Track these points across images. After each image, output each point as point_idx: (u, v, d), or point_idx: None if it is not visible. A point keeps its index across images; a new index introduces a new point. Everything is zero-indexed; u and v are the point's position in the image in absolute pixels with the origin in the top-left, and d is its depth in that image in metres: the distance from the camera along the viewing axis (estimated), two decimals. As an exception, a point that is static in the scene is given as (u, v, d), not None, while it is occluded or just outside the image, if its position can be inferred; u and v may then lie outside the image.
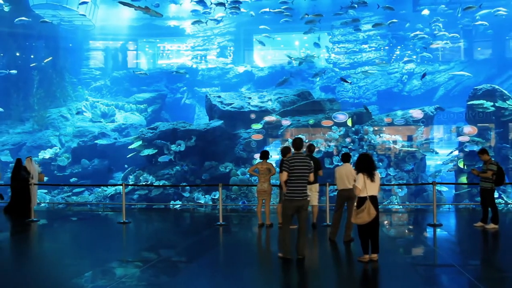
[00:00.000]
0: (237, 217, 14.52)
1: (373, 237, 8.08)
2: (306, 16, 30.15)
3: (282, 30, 35.88)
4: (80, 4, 31.71)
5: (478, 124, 24.03)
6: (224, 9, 31.31)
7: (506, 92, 24.83)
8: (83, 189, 26.34)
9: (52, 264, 8.88)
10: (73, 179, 27.37)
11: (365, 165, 8.07)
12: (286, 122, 25.75)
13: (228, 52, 40.79)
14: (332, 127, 24.75)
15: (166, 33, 40.46)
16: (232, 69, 39.50)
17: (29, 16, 31.65)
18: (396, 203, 21.76)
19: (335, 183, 9.91)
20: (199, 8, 32.64)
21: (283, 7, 30.24)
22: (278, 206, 11.65)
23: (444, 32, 32.91)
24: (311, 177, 8.47)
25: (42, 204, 19.56)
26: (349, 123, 24.85)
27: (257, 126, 25.63)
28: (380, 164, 23.43)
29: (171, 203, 22.09)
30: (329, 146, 24.07)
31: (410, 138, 24.68)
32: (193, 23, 34.87)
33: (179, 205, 21.16)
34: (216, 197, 22.36)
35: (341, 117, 25.16)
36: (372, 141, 24.10)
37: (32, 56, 34.40)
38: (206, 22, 33.14)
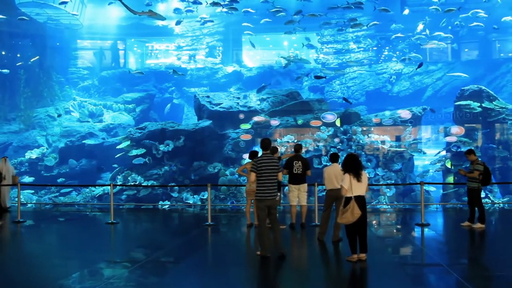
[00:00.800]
0: (226, 217, 14.51)
1: (361, 237, 8.09)
2: (295, 16, 30.16)
3: (270, 30, 35.89)
4: (60, 3, 31.27)
5: (465, 125, 24.24)
6: (210, 8, 31.26)
7: (492, 93, 25.07)
8: (70, 189, 26.13)
9: (38, 265, 8.79)
10: (60, 180, 27.13)
11: (352, 166, 8.09)
12: (275, 122, 25.77)
13: (217, 52, 40.71)
14: (321, 127, 24.79)
15: (154, 32, 40.28)
16: (221, 69, 39.43)
17: (15, 14, 31.30)
18: (384, 203, 21.87)
19: (323, 183, 9.93)
20: (181, 6, 32.44)
21: (277, 7, 30.07)
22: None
23: (439, 32, 33.01)
24: (280, 176, 8.62)
25: (29, 205, 19.37)
26: (338, 123, 24.92)
27: (245, 126, 25.61)
28: (369, 164, 23.53)
29: (159, 203, 22.00)
30: (317, 146, 24.12)
31: (398, 138, 24.80)
32: (177, 23, 34.62)
33: (167, 205, 21.08)
34: (204, 197, 22.30)
35: (330, 117, 25.22)
36: (361, 141, 24.20)
37: (18, 55, 34.04)
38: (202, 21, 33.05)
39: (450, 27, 33.46)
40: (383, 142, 24.39)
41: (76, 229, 12.69)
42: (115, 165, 26.15)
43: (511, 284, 7.11)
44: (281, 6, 30.42)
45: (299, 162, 11.08)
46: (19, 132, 31.11)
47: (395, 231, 12.03)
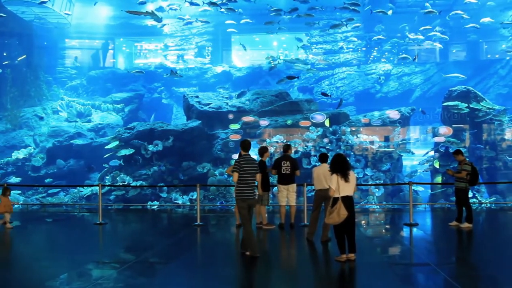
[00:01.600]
0: (215, 217, 14.47)
1: (349, 237, 8.11)
2: (285, 16, 30.20)
3: (259, 30, 35.92)
4: (39, 3, 30.93)
5: (453, 125, 24.42)
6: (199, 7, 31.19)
7: (479, 93, 25.29)
8: (58, 189, 25.92)
9: (25, 267, 8.70)
10: (48, 180, 26.90)
11: (339, 166, 8.09)
12: (264, 122, 25.76)
13: (206, 52, 40.67)
14: (310, 128, 24.84)
15: (143, 32, 40.14)
16: (210, 69, 39.40)
17: (1, 12, 30.97)
18: (373, 203, 21.96)
19: (312, 183, 9.95)
20: (164, 4, 32.31)
21: (273, 8, 30.01)
22: (256, 206, 11.65)
23: (437, 32, 33.17)
24: (258, 177, 8.88)
25: (16, 206, 19.17)
26: (327, 123, 24.99)
27: (235, 126, 25.58)
28: (358, 164, 23.62)
29: (148, 203, 21.89)
30: (306, 146, 24.16)
31: (387, 139, 24.93)
32: (161, 23, 34.47)
33: (156, 206, 20.98)
34: (193, 198, 22.25)
35: (319, 117, 25.27)
36: (350, 141, 24.28)
37: (4, 54, 33.68)
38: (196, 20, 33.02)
39: (438, 28, 33.63)
40: (372, 142, 24.50)
41: (64, 230, 12.59)
42: (106, 165, 25.93)
43: (497, 283, 7.17)
44: (270, 6, 30.39)
45: (288, 162, 11.09)
46: (5, 132, 30.79)
47: (384, 231, 12.09)
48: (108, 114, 33.25)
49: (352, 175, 8.18)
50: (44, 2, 30.73)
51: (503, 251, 9.34)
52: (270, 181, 11.92)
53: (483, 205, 19.54)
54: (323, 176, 9.62)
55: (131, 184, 23.65)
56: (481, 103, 24.33)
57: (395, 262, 8.84)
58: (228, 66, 39.83)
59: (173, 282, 7.49)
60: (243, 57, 41.60)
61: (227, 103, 26.94)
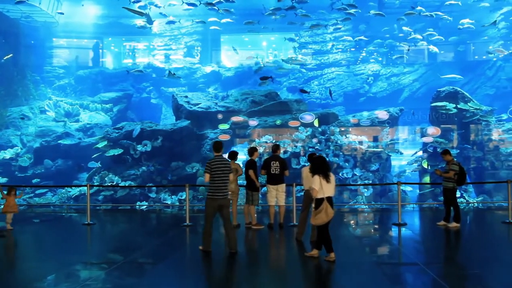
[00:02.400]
0: (204, 217, 14.40)
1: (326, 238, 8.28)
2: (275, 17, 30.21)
3: (249, 30, 35.93)
4: (16, 3, 30.57)
5: (441, 125, 24.59)
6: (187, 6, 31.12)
7: (467, 94, 25.50)
8: (46, 190, 25.71)
9: (12, 268, 8.63)
10: (35, 180, 26.66)
11: (321, 167, 8.23)
12: (253, 122, 25.76)
13: (195, 52, 40.56)
14: (299, 128, 24.89)
15: (132, 32, 39.92)
16: (199, 69, 39.29)
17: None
18: (362, 203, 22.05)
19: (301, 183, 9.96)
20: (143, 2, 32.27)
21: (270, 10, 29.94)
22: (245, 206, 11.66)
23: (433, 32, 33.30)
24: (231, 177, 9.09)
25: (1, 206, 18.97)
26: (316, 123, 25.05)
27: (224, 127, 25.56)
28: (347, 164, 23.70)
29: (137, 204, 21.79)
30: (296, 146, 24.19)
31: (375, 139, 25.04)
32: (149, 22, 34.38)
33: (145, 206, 20.89)
34: (183, 198, 22.18)
35: (308, 117, 25.33)
36: (339, 141, 24.35)
37: (-10, 53, 33.39)
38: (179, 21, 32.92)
39: (431, 30, 33.79)
40: (360, 142, 24.59)
41: (51, 230, 12.49)
42: (96, 164, 25.74)
43: (485, 282, 7.23)
44: (264, 6, 30.36)
45: (277, 162, 11.11)
46: (-9, 131, 30.50)
47: (372, 230, 12.14)
48: (97, 114, 33.04)
49: (332, 176, 8.34)
50: (22, 2, 30.30)
51: (490, 250, 9.42)
52: (259, 181, 11.92)
53: (470, 204, 19.70)
54: (312, 176, 9.63)
55: (120, 184, 23.52)
56: (468, 103, 24.54)
57: (383, 261, 8.88)
58: (217, 66, 39.76)
59: (162, 282, 7.46)
60: (232, 57, 41.57)
61: (216, 103, 26.91)
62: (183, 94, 28.89)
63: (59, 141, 28.35)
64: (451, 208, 11.35)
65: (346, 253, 9.18)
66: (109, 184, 23.60)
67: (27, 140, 29.73)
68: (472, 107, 24.36)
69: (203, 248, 8.99)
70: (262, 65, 33.20)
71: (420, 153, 24.81)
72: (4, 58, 32.65)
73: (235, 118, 25.86)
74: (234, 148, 23.55)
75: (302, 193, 10.13)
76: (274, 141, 23.61)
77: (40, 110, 32.55)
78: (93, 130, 30.99)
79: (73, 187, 24.47)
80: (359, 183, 22.88)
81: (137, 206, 20.51)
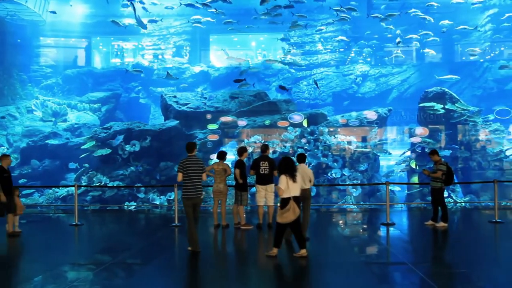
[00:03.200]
0: (199, 220, 14.37)
1: (299, 235, 8.49)
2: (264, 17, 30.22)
3: (238, 30, 35.90)
4: (1, 1, 30.23)
5: (429, 126, 24.75)
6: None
7: (455, 95, 25.70)
8: (33, 190, 25.49)
9: (-1, 269, 8.53)
10: (22, 181, 26.40)
11: (288, 167, 8.48)
12: (242, 122, 25.75)
13: (184, 52, 40.43)
14: (288, 128, 24.91)
15: (120, 31, 39.66)
16: (188, 69, 39.15)
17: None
18: (351, 203, 22.12)
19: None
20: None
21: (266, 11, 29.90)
22: (234, 207, 11.65)
23: (433, 37, 33.45)
24: (204, 176, 9.23)
25: None
26: (305, 124, 25.10)
27: (213, 127, 25.51)
28: (335, 164, 23.76)
29: (125, 204, 21.68)
30: (285, 146, 24.21)
31: (364, 139, 25.15)
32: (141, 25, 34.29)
33: (133, 206, 20.79)
34: (171, 198, 22.09)
35: (297, 118, 25.37)
36: (327, 141, 24.41)
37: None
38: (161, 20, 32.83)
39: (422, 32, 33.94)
40: (349, 142, 24.67)
41: (38, 231, 12.38)
42: (86, 165, 25.56)
43: (472, 280, 7.28)
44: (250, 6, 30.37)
45: (266, 162, 11.11)
46: (-23, 131, 30.17)
47: (361, 230, 12.18)
48: (85, 114, 32.83)
49: (299, 176, 8.61)
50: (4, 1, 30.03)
51: (477, 249, 9.50)
52: (248, 181, 11.92)
53: (458, 204, 19.85)
54: (301, 176, 9.65)
55: (108, 185, 23.39)
56: (456, 104, 24.74)
57: (372, 261, 8.91)
58: (206, 66, 39.67)
59: (150, 283, 7.42)
60: (221, 57, 41.49)
61: (205, 103, 26.85)
62: (172, 94, 28.79)
63: (46, 141, 28.13)
64: (439, 208, 11.43)
65: (335, 253, 9.22)
66: (97, 184, 23.46)
67: (14, 140, 29.47)
68: (460, 107, 24.56)
69: (191, 249, 9.05)
70: (247, 68, 33.23)
71: (408, 153, 24.95)
72: None
73: (224, 118, 25.84)
74: (223, 148, 23.52)
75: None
76: (263, 141, 23.61)
77: (27, 109, 32.25)
78: (81, 130, 30.78)
79: (60, 188, 24.28)
80: (347, 183, 22.96)
81: (125, 207, 20.40)
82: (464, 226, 12.91)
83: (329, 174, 23.42)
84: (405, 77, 37.40)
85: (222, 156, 11.54)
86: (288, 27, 30.20)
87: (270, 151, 22.54)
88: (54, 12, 33.32)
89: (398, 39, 31.32)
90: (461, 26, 32.20)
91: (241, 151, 11.61)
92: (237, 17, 31.72)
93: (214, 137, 25.07)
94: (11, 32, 34.94)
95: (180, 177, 9.03)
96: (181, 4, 30.91)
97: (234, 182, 11.70)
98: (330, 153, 24.09)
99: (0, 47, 33.34)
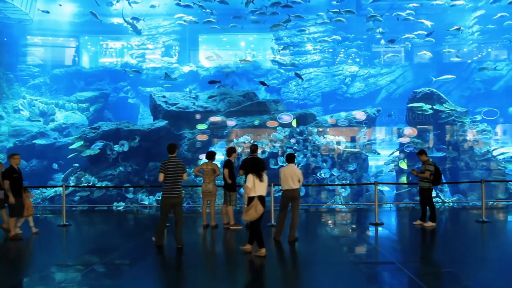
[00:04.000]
0: (182, 218, 14.32)
1: (256, 232, 8.71)
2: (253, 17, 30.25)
3: (227, 30, 35.86)
4: None
5: (418, 126, 24.89)
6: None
7: (443, 95, 25.87)
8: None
9: (-15, 270, 8.44)
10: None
11: (254, 167, 8.72)
12: (231, 122, 25.72)
13: (173, 52, 40.28)
14: (277, 128, 24.93)
15: (109, 30, 39.44)
16: (177, 68, 39.02)
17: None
18: (340, 203, 22.18)
19: (279, 184, 9.97)
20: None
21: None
22: (223, 207, 11.63)
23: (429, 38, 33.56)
24: (185, 176, 9.57)
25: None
26: (294, 124, 25.14)
27: (202, 127, 25.45)
28: (324, 164, 23.81)
29: (114, 204, 21.55)
30: (274, 146, 24.22)
31: (353, 139, 25.23)
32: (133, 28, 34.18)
33: (122, 207, 20.67)
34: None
35: (286, 118, 25.40)
36: (316, 142, 24.46)
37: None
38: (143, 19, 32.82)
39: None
40: (338, 142, 24.73)
41: (25, 232, 12.23)
42: (76, 165, 25.35)
43: (460, 279, 7.33)
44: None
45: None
46: (-37, 131, 29.79)
47: (350, 230, 12.21)
48: (73, 114, 32.55)
49: (265, 176, 8.80)
50: None
51: (465, 248, 9.57)
52: (237, 181, 11.91)
53: (446, 204, 19.99)
54: (290, 176, 9.66)
55: (96, 185, 23.24)
56: (444, 104, 24.90)
57: (361, 261, 8.94)
58: (196, 66, 39.57)
59: (138, 284, 7.38)
60: (210, 57, 41.44)
61: (194, 103, 26.77)
62: (161, 93, 28.67)
63: (33, 141, 27.88)
64: (427, 207, 11.51)
65: (324, 253, 9.24)
66: (85, 184, 23.30)
67: (0, 140, 29.15)
68: (448, 108, 24.72)
69: (155, 241, 9.59)
70: (231, 71, 33.33)
71: (397, 153, 25.07)
72: None
73: (213, 118, 25.78)
74: (212, 148, 23.49)
75: (280, 193, 10.14)
76: (252, 142, 23.60)
77: (14, 109, 31.91)
78: (69, 130, 30.54)
79: (48, 188, 24.08)
80: (336, 183, 23.02)
81: (114, 207, 20.28)
82: (452, 225, 13.00)
83: (318, 174, 23.47)
84: (394, 77, 37.61)
85: (211, 156, 11.53)
86: (269, 27, 30.24)
87: (259, 151, 22.56)
88: (47, 12, 33.00)
89: (383, 40, 31.47)
90: (455, 28, 32.40)
91: (230, 151, 11.60)
92: (229, 16, 31.64)
93: (203, 137, 25.01)
94: (-3, 30, 34.62)
95: (161, 177, 9.37)
96: (177, 4, 30.84)
97: (223, 182, 11.68)
98: (319, 153, 24.13)
99: (-14, 46, 32.99)
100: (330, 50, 38.25)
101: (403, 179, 23.78)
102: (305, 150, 24.04)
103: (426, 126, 24.96)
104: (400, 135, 24.94)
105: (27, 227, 11.30)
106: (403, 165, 23.81)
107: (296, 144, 24.32)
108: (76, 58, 40.98)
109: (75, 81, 37.29)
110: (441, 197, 22.05)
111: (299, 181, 9.76)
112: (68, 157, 25.53)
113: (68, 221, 12.44)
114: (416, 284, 7.08)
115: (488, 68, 32.97)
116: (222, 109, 26.74)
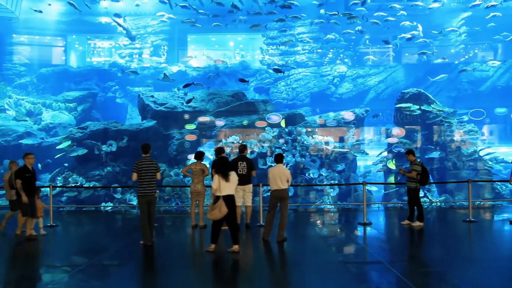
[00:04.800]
0: (171, 218, 14.31)
1: (232, 231, 8.95)
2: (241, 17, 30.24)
3: (216, 30, 35.80)
4: None
5: (406, 126, 25.04)
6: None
7: (430, 96, 26.04)
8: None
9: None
10: (-6, 181, 25.84)
11: (221, 168, 8.82)
12: (220, 122, 25.68)
13: (161, 51, 40.14)
14: (266, 128, 24.94)
15: (97, 29, 39.20)
16: (165, 68, 38.87)
17: None
18: (328, 203, 22.25)
19: (268, 184, 9.97)
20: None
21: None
22: (212, 207, 11.59)
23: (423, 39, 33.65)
24: (158, 175, 9.89)
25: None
26: (283, 124, 25.16)
27: (190, 127, 25.39)
28: (313, 164, 23.86)
29: (102, 205, 21.42)
30: (262, 147, 24.23)
31: (341, 139, 25.32)
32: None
33: (110, 207, 20.54)
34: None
35: (275, 118, 25.42)
36: (305, 142, 24.51)
37: None
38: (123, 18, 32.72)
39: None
40: (327, 143, 24.81)
41: (12, 232, 12.11)
42: (66, 164, 25.12)
43: (447, 279, 7.38)
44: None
45: (244, 162, 11.10)
46: None
47: (338, 230, 12.25)
48: (60, 113, 32.28)
49: (232, 176, 8.86)
50: None
51: (452, 248, 9.65)
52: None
53: (433, 204, 20.12)
54: (278, 177, 9.66)
55: (84, 185, 23.08)
56: (432, 105, 25.06)
57: (349, 260, 8.97)
58: (184, 65, 39.45)
59: (127, 284, 7.34)
60: (199, 57, 41.35)
61: (182, 103, 26.70)
62: (149, 93, 28.55)
63: (20, 141, 27.60)
64: (415, 207, 11.58)
65: (312, 253, 9.26)
66: (73, 185, 23.13)
67: (-15, 140, 28.80)
68: (435, 108, 24.89)
69: (143, 242, 9.61)
70: (214, 75, 33.40)
71: (385, 153, 25.20)
72: None
73: (201, 118, 25.73)
74: (200, 149, 23.44)
75: (269, 194, 10.14)
76: (241, 142, 23.59)
77: (0, 108, 31.56)
78: (56, 129, 30.29)
79: (35, 188, 23.82)
80: (325, 183, 23.08)
81: (102, 207, 20.15)
82: (439, 225, 13.09)
83: (306, 174, 23.51)
84: (382, 78, 37.81)
85: (199, 156, 11.49)
86: (249, 27, 30.24)
87: (248, 151, 22.56)
88: (40, 11, 32.68)
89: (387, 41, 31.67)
90: (406, 23, 32.66)
91: (219, 151, 11.56)
92: (221, 16, 31.58)
93: (191, 137, 24.94)
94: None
95: (135, 176, 9.76)
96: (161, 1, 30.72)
97: (211, 183, 11.64)
98: (307, 153, 24.18)
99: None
100: (319, 50, 38.33)
101: (391, 179, 23.90)
102: (293, 150, 24.08)
103: (414, 127, 25.12)
104: (388, 135, 25.06)
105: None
106: (391, 165, 23.94)
107: (285, 144, 24.35)
108: (63, 57, 40.65)
109: (62, 80, 36.96)
110: (429, 197, 22.19)
111: (287, 181, 9.76)
112: (55, 157, 25.32)
113: (55, 222, 12.35)
114: (404, 283, 7.13)
115: (467, 70, 33.33)
116: (210, 109, 26.70)
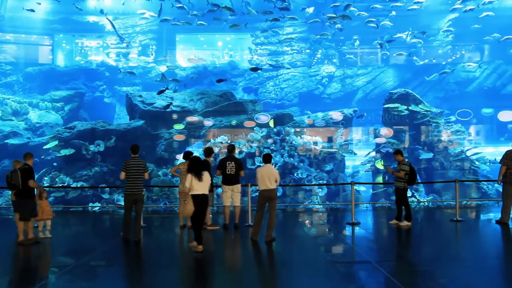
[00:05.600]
0: (159, 218, 14.24)
1: (195, 227, 9.03)
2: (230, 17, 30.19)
3: (204, 30, 35.74)
4: None
5: (394, 126, 25.18)
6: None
7: (418, 96, 26.23)
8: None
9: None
10: (-20, 182, 25.54)
11: (194, 167, 8.89)
12: (208, 122, 25.65)
13: (150, 51, 39.98)
14: (254, 128, 24.95)
15: (85, 28, 38.92)
16: (154, 68, 38.73)
17: None
18: (317, 203, 22.30)
19: (256, 184, 9.96)
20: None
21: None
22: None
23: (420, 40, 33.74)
24: (146, 175, 10.20)
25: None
26: (271, 124, 25.18)
27: (179, 127, 25.32)
28: (301, 164, 23.91)
29: (89, 205, 21.28)
30: (251, 147, 24.23)
31: (330, 139, 25.40)
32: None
33: (98, 207, 20.42)
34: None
35: (263, 118, 25.44)
36: (294, 142, 24.55)
37: None
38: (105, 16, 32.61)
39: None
40: (315, 143, 24.88)
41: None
42: (55, 163, 24.90)
43: (435, 278, 7.42)
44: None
45: (232, 162, 11.09)
46: None
47: (327, 230, 12.27)
48: (47, 113, 32.00)
49: (206, 175, 8.91)
50: None
51: (439, 247, 9.70)
52: (214, 181, 11.86)
53: (421, 203, 20.25)
54: (267, 177, 9.66)
55: (71, 185, 22.91)
56: (419, 105, 25.24)
57: (337, 260, 8.98)
58: (173, 65, 39.32)
59: (115, 285, 7.29)
60: (187, 57, 41.26)
61: (171, 103, 26.61)
62: (137, 93, 28.41)
63: (5, 141, 27.31)
64: (403, 207, 11.64)
65: (301, 253, 9.26)
66: (60, 185, 22.94)
67: (-28, 140, 28.48)
68: (423, 109, 25.07)
69: (123, 235, 10.05)
70: (193, 76, 33.43)
71: (373, 153, 25.32)
72: None
73: (190, 118, 25.67)
74: (189, 149, 23.37)
75: (257, 194, 10.14)
76: (229, 142, 23.57)
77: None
78: (43, 129, 30.02)
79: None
80: (313, 183, 23.13)
81: (89, 208, 20.01)
82: (427, 225, 13.16)
83: (295, 174, 23.55)
84: (370, 78, 38.01)
85: (188, 156, 11.43)
86: (228, 26, 30.22)
87: (237, 151, 22.55)
88: (32, 10, 32.37)
89: (379, 43, 31.77)
90: (387, 23, 32.90)
91: (207, 151, 11.54)
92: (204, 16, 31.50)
93: (180, 137, 24.88)
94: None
95: (123, 175, 10.09)
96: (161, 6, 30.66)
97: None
98: (296, 153, 24.22)
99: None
100: (307, 50, 38.43)
101: (379, 179, 24.03)
102: (282, 150, 24.10)
103: (402, 127, 25.28)
104: (376, 135, 25.18)
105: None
106: (379, 165, 24.06)
107: (273, 144, 24.38)
108: (50, 56, 40.30)
109: (49, 79, 36.64)
110: (416, 196, 22.34)
111: (276, 181, 9.76)
112: (42, 157, 25.10)
113: (42, 222, 12.18)
114: (392, 283, 7.15)
115: (447, 72, 33.69)
116: (199, 109, 26.64)
